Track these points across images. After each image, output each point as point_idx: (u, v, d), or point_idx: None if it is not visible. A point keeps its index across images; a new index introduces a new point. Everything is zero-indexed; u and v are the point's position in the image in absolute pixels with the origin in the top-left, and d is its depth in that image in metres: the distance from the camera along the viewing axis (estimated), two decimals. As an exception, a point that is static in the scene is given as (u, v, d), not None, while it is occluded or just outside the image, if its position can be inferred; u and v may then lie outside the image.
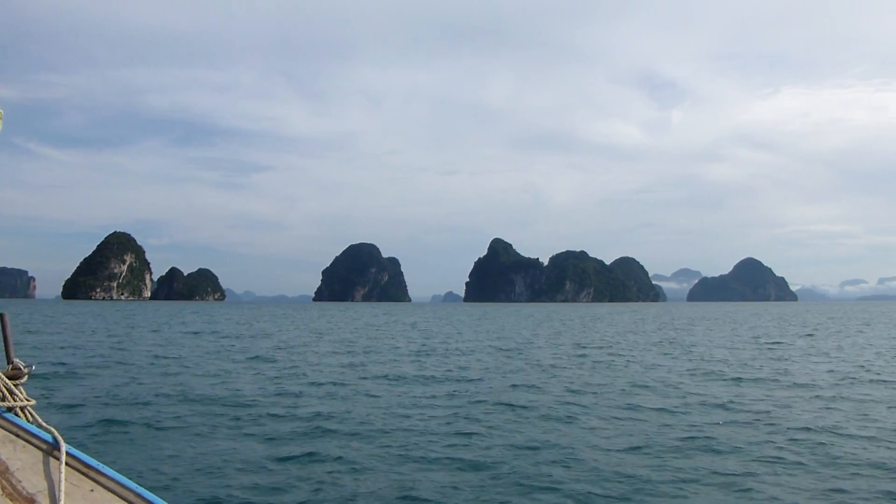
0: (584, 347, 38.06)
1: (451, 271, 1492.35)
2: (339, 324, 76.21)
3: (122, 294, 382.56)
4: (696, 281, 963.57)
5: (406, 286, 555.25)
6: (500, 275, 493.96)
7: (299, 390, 19.36)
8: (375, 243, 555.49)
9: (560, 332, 58.38)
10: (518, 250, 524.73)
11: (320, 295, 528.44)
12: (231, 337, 46.43)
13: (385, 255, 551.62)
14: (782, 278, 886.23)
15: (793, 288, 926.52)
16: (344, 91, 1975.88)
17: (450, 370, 25.49)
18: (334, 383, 21.06)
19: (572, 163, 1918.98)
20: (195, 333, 50.65)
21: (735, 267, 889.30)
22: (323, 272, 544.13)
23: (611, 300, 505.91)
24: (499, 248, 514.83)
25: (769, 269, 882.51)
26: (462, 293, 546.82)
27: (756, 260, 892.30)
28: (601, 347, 38.38)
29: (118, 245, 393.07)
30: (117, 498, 1.75)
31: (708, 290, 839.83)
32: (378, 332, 57.11)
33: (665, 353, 33.77)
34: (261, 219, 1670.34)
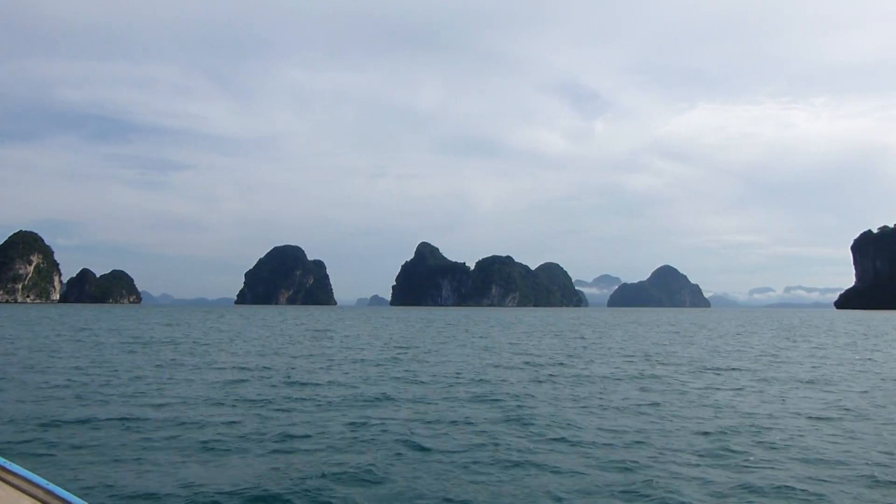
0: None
1: (377, 275, 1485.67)
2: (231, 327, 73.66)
3: (28, 296, 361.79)
4: (617, 287, 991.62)
5: (332, 289, 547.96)
6: (427, 279, 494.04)
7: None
8: (301, 245, 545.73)
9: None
10: (445, 254, 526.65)
11: (243, 298, 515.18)
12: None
13: (311, 257, 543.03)
14: (697, 285, 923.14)
15: (706, 295, 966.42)
16: (270, 90, 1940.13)
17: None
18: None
19: (499, 169, 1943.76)
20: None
21: (653, 274, 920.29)
22: (246, 274, 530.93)
23: (535, 305, 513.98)
24: (426, 252, 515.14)
25: (685, 277, 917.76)
26: (389, 297, 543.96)
27: (672, 267, 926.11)
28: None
29: (24, 245, 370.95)
30: (26, 496, 1.67)
31: (627, 295, 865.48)
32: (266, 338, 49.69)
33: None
34: (180, 219, 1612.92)
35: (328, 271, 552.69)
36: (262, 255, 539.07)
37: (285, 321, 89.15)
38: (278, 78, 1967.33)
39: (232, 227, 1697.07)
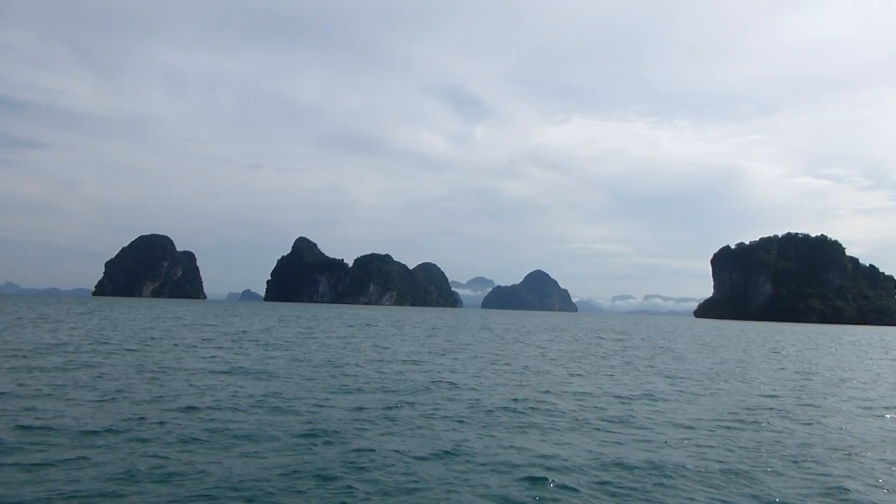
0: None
1: (251, 269, 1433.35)
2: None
3: None
4: (491, 289, 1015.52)
5: (202, 282, 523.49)
6: (303, 274, 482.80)
7: None
8: (169, 235, 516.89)
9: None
10: (323, 250, 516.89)
11: (102, 289, 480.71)
12: None
13: (180, 248, 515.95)
14: (566, 290, 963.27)
15: (574, 300, 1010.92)
16: (139, 69, 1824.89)
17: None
18: None
19: (380, 167, 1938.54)
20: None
21: (525, 278, 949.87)
22: (107, 264, 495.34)
23: (412, 304, 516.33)
24: (303, 248, 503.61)
25: (555, 282, 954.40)
26: (262, 292, 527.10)
27: (544, 272, 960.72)
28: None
29: None
30: None
31: (500, 298, 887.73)
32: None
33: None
34: (30, 201, 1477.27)
35: (198, 263, 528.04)
36: (125, 244, 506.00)
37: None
38: (150, 56, 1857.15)
39: (92, 212, 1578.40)
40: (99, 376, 22.48)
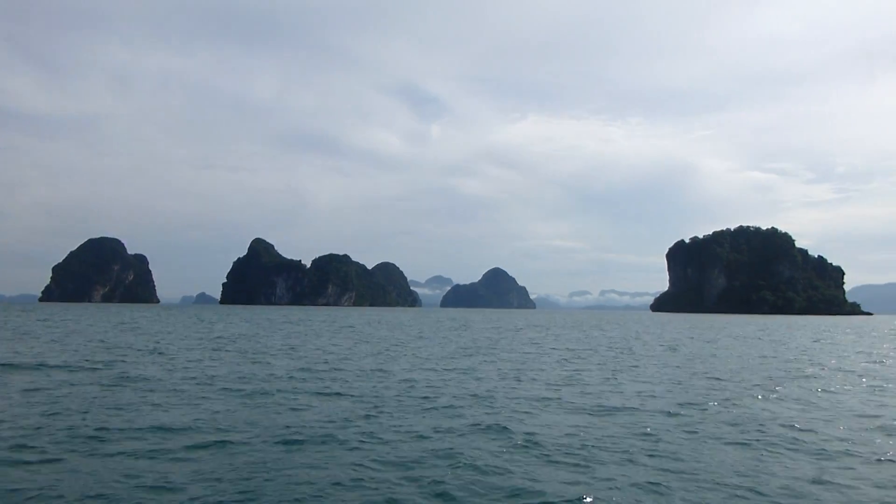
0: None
1: (206, 271, 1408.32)
2: None
3: None
4: (449, 288, 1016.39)
5: (154, 286, 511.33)
6: (260, 276, 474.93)
7: None
8: (120, 238, 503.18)
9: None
10: (280, 251, 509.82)
11: (49, 294, 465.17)
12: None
13: (131, 251, 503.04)
14: (524, 287, 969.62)
15: (532, 297, 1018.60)
16: (86, 67, 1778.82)
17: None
18: None
19: (336, 166, 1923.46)
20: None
21: (484, 276, 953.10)
22: (54, 268, 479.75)
23: (372, 304, 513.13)
24: (260, 249, 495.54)
25: (513, 279, 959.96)
26: (218, 294, 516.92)
27: (502, 270, 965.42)
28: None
29: None
30: None
31: (459, 296, 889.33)
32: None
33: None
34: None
35: (151, 266, 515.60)
36: (73, 248, 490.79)
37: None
38: (97, 54, 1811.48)
39: (36, 215, 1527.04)
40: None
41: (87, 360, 27.29)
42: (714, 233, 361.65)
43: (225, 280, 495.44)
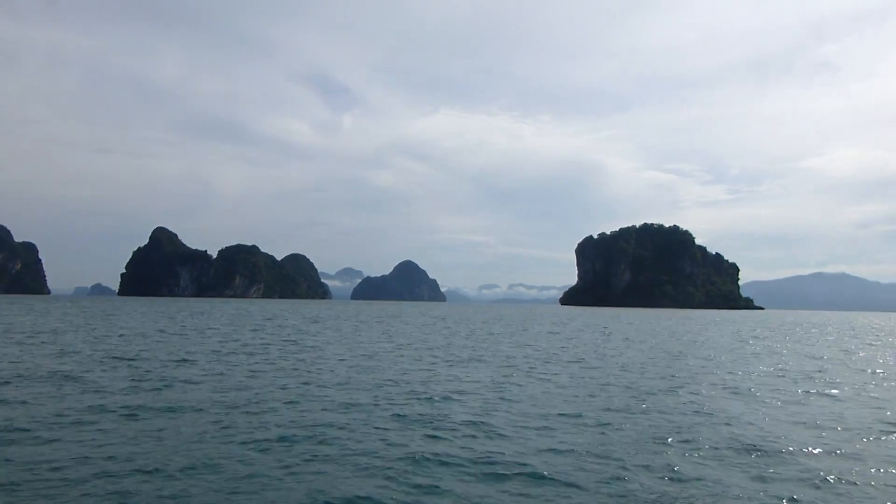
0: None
1: (102, 261, 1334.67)
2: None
3: None
4: (360, 280, 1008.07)
5: (45, 276, 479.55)
6: (163, 266, 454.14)
7: None
8: (6, 225, 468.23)
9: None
10: (184, 241, 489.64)
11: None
12: None
13: (18, 238, 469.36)
14: (434, 280, 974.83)
15: (442, 289, 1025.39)
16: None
17: None
18: None
19: (244, 155, 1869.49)
20: None
21: (395, 268, 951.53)
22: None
23: (281, 296, 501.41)
24: (162, 238, 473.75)
25: (424, 272, 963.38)
26: (116, 285, 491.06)
27: (413, 262, 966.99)
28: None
29: None
30: None
31: (370, 289, 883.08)
32: None
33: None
34: None
35: (41, 255, 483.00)
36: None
37: None
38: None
39: None
40: None
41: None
42: (621, 229, 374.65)
43: (124, 270, 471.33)
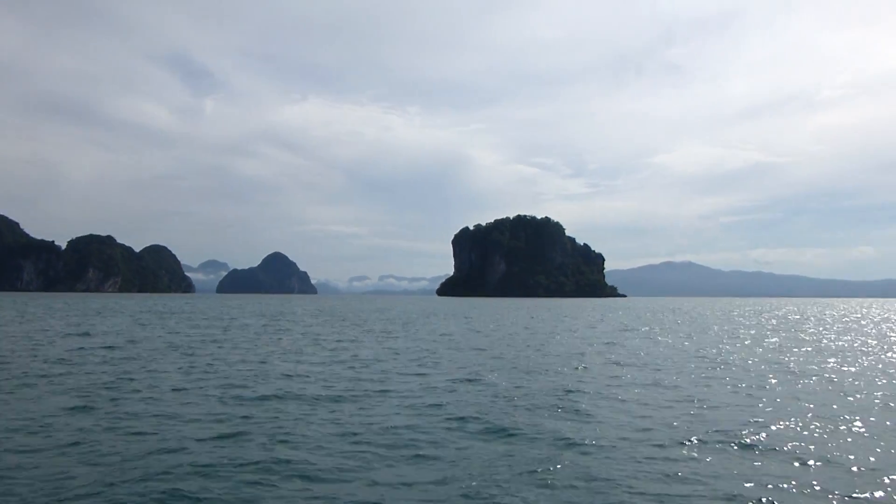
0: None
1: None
2: None
3: None
4: (226, 273, 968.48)
5: None
6: (3, 259, 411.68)
7: None
8: None
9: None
10: (27, 230, 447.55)
11: None
12: None
13: None
14: (305, 272, 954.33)
15: (312, 282, 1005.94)
16: None
17: None
18: None
19: (95, 138, 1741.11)
20: None
21: (264, 260, 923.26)
22: None
23: (140, 290, 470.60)
24: (2, 227, 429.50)
25: (294, 264, 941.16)
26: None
27: (283, 254, 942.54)
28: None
29: None
30: None
31: (237, 281, 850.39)
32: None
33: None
34: None
35: None
36: None
37: None
38: None
39: None
40: None
41: None
42: (496, 220, 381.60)
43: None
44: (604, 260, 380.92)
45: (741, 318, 76.44)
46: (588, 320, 67.63)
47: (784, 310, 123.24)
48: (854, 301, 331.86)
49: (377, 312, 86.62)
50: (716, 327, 55.59)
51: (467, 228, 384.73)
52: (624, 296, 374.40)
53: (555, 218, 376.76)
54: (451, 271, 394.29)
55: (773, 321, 69.65)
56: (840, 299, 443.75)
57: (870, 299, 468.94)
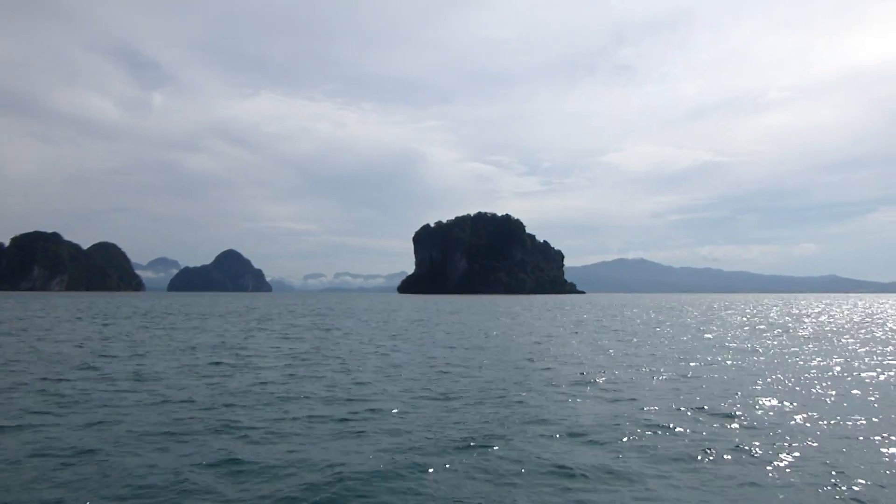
0: None
1: None
2: None
3: None
4: (177, 271, 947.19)
5: None
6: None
7: None
8: None
9: None
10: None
11: None
12: None
13: None
14: (260, 270, 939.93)
15: (267, 279, 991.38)
16: None
17: None
18: None
19: (34, 131, 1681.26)
20: None
21: (217, 258, 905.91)
22: None
23: (88, 289, 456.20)
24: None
25: (248, 262, 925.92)
26: None
27: (237, 252, 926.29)
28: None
29: None
30: None
31: (190, 280, 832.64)
32: None
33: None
34: None
35: None
36: None
37: None
38: None
39: None
40: None
41: None
42: (457, 218, 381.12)
43: None
44: (563, 257, 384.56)
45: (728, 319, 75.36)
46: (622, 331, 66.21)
47: (760, 306, 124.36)
48: (801, 296, 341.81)
49: (363, 313, 79.43)
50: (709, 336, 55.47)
51: (428, 226, 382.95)
52: (583, 292, 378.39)
53: (512, 215, 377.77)
54: (407, 268, 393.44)
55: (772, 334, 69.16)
56: (786, 294, 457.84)
57: (812, 294, 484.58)
